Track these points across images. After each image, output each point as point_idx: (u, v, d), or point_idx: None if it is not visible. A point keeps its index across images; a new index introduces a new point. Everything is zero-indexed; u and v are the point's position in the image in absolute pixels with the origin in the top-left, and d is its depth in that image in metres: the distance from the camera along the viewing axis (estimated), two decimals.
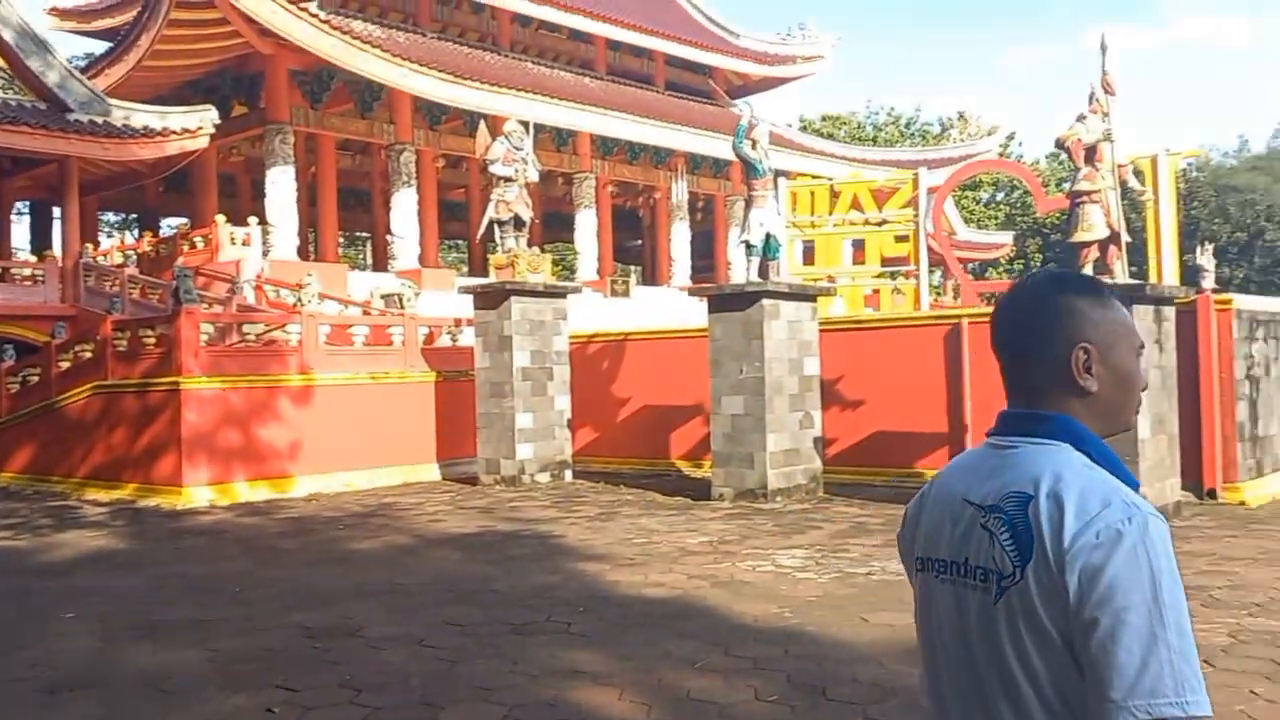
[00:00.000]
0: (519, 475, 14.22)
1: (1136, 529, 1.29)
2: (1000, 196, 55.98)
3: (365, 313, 17.19)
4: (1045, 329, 1.46)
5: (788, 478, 12.15)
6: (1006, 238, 39.83)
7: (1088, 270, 10.18)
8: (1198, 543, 8.90)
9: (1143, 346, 1.51)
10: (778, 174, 15.21)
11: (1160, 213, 13.78)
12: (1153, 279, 13.98)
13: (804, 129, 44.71)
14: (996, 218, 54.10)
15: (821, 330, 12.99)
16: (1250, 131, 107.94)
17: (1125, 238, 10.52)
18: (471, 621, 6.73)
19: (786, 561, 8.48)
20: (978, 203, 53.56)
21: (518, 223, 14.70)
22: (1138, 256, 14.51)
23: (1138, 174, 13.22)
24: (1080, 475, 1.36)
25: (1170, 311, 10.52)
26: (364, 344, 15.53)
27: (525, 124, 15.17)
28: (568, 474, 14.84)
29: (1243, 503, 10.94)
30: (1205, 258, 25.76)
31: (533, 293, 14.64)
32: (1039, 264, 53.12)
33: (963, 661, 1.43)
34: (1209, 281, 21.77)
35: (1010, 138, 51.16)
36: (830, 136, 42.24)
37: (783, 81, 34.44)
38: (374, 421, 14.88)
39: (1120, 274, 10.18)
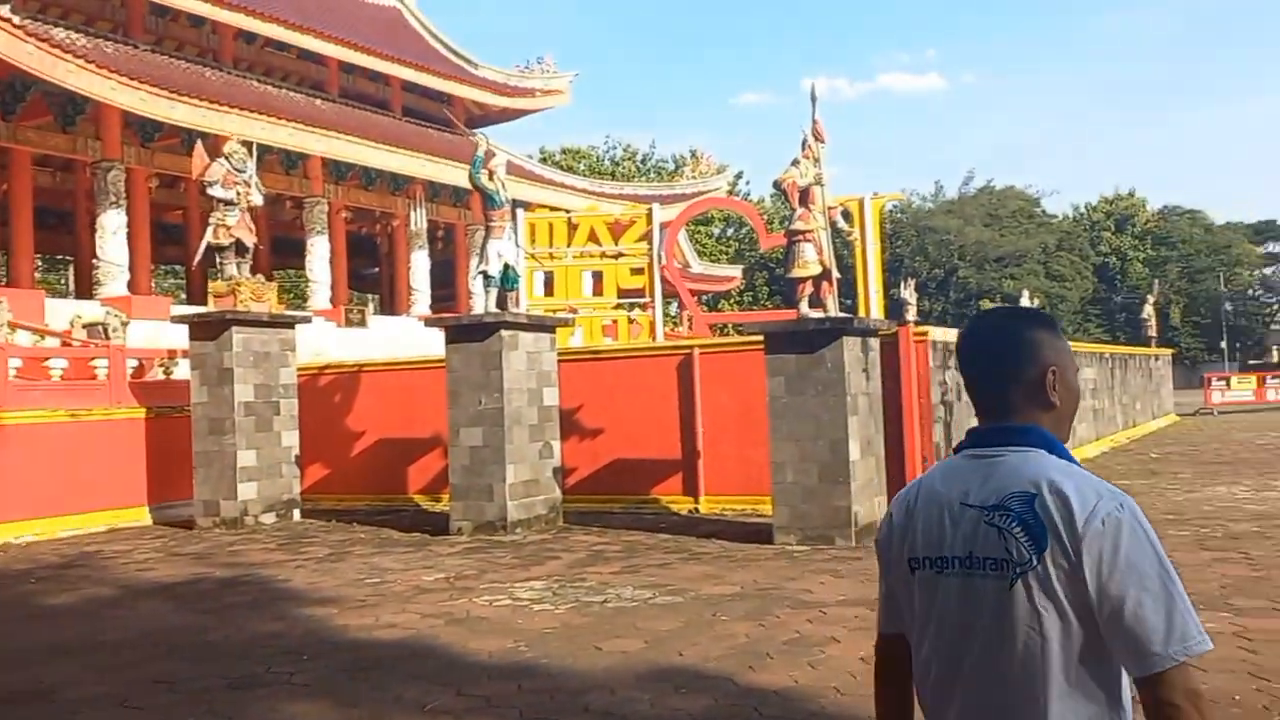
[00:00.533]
0: (241, 517, 13.36)
1: (1129, 513, 1.60)
2: (730, 232, 58.95)
3: (65, 344, 15.65)
4: (1022, 356, 1.75)
5: (528, 509, 12.12)
6: (736, 271, 41.94)
7: (804, 303, 10.88)
8: None
9: (1078, 369, 1.81)
10: (517, 205, 15.28)
11: (866, 251, 14.97)
12: (861, 312, 15.15)
13: (545, 161, 45.27)
14: (728, 252, 56.88)
15: (561, 361, 13.11)
16: (945, 178, 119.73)
17: (836, 274, 11.31)
18: (181, 677, 6.22)
19: (524, 594, 8.43)
20: (710, 237, 56.17)
21: (240, 248, 13.90)
22: (849, 291, 15.67)
23: (847, 215, 14.31)
24: (1071, 474, 1.65)
25: (875, 342, 11.39)
26: (63, 378, 14.12)
27: (248, 145, 14.41)
28: (296, 514, 14.11)
29: None
30: (908, 292, 28.21)
31: (256, 322, 13.86)
32: (766, 296, 56.32)
33: (971, 645, 1.65)
34: (912, 314, 23.88)
35: (739, 176, 53.99)
36: (570, 170, 43.01)
37: (522, 113, 34.71)
38: (75, 463, 13.54)
39: (832, 307, 10.92)
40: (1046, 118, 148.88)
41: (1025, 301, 31.35)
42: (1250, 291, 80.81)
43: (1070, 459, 1.70)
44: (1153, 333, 35.07)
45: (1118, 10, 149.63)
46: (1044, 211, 73.15)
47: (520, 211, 16.45)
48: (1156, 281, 59.83)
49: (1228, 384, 36.85)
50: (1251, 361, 71.16)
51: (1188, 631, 1.55)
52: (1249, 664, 5.74)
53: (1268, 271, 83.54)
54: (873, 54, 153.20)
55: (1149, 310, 35.59)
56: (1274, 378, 38.52)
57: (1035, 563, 1.59)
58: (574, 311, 15.45)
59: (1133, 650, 1.56)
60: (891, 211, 66.32)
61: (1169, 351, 35.42)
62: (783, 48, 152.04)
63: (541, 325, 12.89)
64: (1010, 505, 1.63)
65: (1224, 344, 71.01)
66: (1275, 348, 78.48)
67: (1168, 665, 1.53)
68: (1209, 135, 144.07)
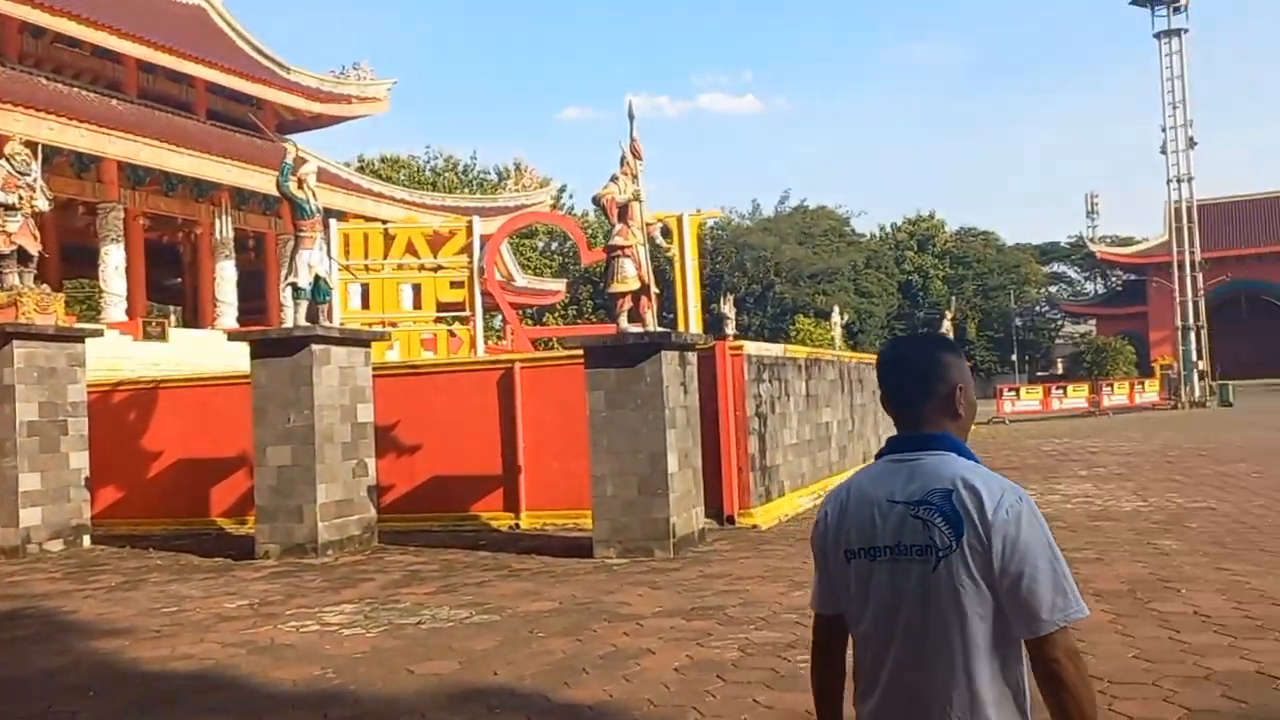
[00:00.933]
0: (23, 545, 12.34)
1: (1026, 505, 1.92)
2: (555, 246, 58.98)
3: None
4: (935, 375, 2.07)
5: (340, 530, 11.71)
6: (560, 285, 42.01)
7: (623, 318, 10.98)
8: (717, 565, 9.84)
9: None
10: (330, 215, 14.79)
11: (685, 267, 15.27)
12: (680, 326, 15.43)
13: (363, 170, 44.09)
14: (552, 265, 56.89)
15: (376, 375, 12.74)
16: (762, 197, 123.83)
17: (655, 289, 11.48)
18: None
19: (333, 618, 8.12)
20: (535, 250, 56.05)
21: (22, 257, 12.89)
22: (669, 305, 15.95)
23: (666, 232, 14.57)
24: (978, 473, 1.96)
25: (693, 356, 11.62)
26: None
27: (33, 146, 13.39)
28: (86, 540, 13.14)
29: (755, 525, 12.31)
30: (727, 307, 28.89)
31: (41, 336, 12.87)
32: (591, 310, 56.60)
33: (901, 623, 1.95)
34: (731, 328, 24.50)
35: (563, 190, 54.19)
36: (390, 179, 42.06)
37: (338, 120, 33.72)
38: None
39: (651, 322, 11.07)
40: (854, 141, 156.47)
41: (836, 317, 32.75)
42: (1038, 308, 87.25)
43: (975, 459, 2.02)
44: None
45: (916, 42, 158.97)
46: (853, 231, 76.77)
47: (334, 221, 15.93)
48: (954, 298, 63.75)
49: (1018, 394, 39.62)
50: (1039, 373, 76.68)
51: (1069, 601, 1.89)
52: None
53: (1052, 289, 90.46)
54: (693, 74, 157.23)
55: (947, 325, 37.89)
56: (1058, 388, 41.68)
57: (954, 547, 1.91)
58: (391, 325, 15.05)
59: (1025, 617, 1.89)
60: (712, 228, 68.08)
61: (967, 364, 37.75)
62: (606, 64, 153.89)
63: (356, 339, 12.50)
64: (932, 500, 1.94)
65: (1015, 357, 76.29)
66: (1060, 360, 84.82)
67: (1052, 629, 1.87)
68: (1000, 161, 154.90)
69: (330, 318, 12.36)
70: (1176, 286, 45.91)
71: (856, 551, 2.03)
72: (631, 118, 10.85)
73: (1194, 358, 44.54)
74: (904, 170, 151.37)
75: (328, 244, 13.17)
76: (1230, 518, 11.15)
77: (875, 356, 2.67)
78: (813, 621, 2.24)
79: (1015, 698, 1.94)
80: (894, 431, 2.15)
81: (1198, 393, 43.18)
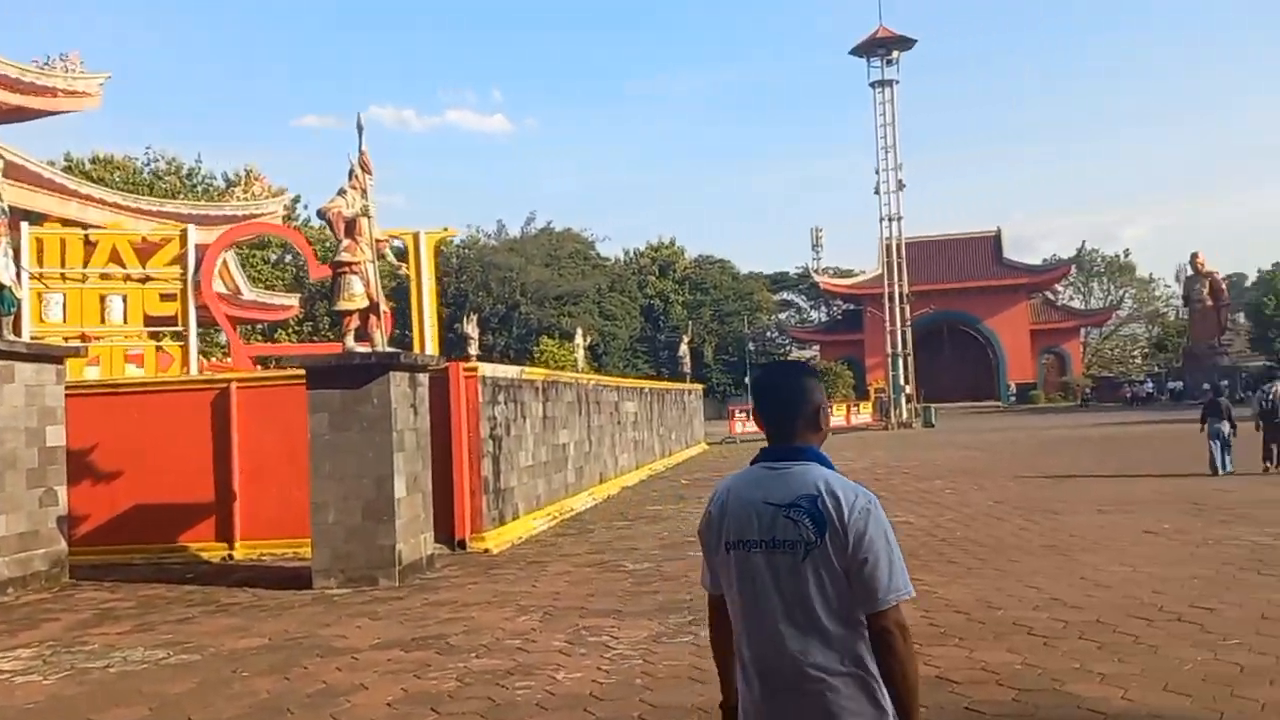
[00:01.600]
0: None
1: (873, 507, 2.37)
2: (290, 259, 56.24)
3: None
4: (804, 397, 2.52)
5: (23, 565, 10.52)
6: (293, 300, 40.03)
7: (350, 337, 10.58)
8: (444, 592, 9.63)
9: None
10: (24, 217, 13.35)
11: (422, 286, 14.94)
12: (416, 347, 15.08)
13: (71, 170, 40.29)
14: (284, 279, 54.20)
15: (70, 395, 11.60)
16: (509, 217, 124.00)
17: (387, 307, 11.14)
18: None
19: (6, 665, 7.26)
20: (266, 263, 53.23)
21: None
22: (406, 324, 15.55)
23: (402, 252, 14.19)
24: (837, 480, 2.40)
25: (425, 378, 11.35)
26: None
27: None
28: None
29: (487, 550, 12.17)
30: (471, 327, 28.52)
31: None
32: (328, 327, 54.34)
33: (772, 604, 2.38)
34: (474, 348, 24.17)
35: (297, 200, 51.77)
36: (102, 181, 38.66)
37: (40, 114, 30.53)
38: None
39: (380, 342, 10.71)
40: (601, 166, 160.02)
41: (580, 339, 33.18)
42: (769, 333, 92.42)
43: (832, 467, 2.46)
44: (687, 369, 38.70)
45: (662, 74, 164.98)
46: (598, 254, 78.32)
47: (25, 225, 14.40)
48: (691, 322, 66.30)
49: (748, 415, 41.69)
50: None
51: (900, 584, 2.35)
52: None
53: (782, 316, 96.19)
54: (441, 89, 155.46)
55: (685, 349, 39.25)
56: None
57: (818, 542, 2.35)
58: (85, 340, 13.74)
59: (867, 595, 2.34)
60: (458, 247, 67.36)
61: (701, 386, 39.30)
62: (350, 72, 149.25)
63: (45, 355, 11.32)
64: (801, 504, 2.37)
65: (748, 379, 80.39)
66: None
67: (887, 605, 2.33)
68: (736, 193, 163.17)
69: (17, 330, 11.12)
70: (887, 316, 49.91)
71: (735, 544, 2.46)
72: (361, 130, 10.50)
73: (902, 382, 48.52)
74: (648, 197, 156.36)
75: (16, 249, 11.88)
76: (924, 531, 12.13)
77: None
78: (709, 598, 2.65)
79: (859, 656, 2.37)
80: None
81: (905, 414, 47.07)
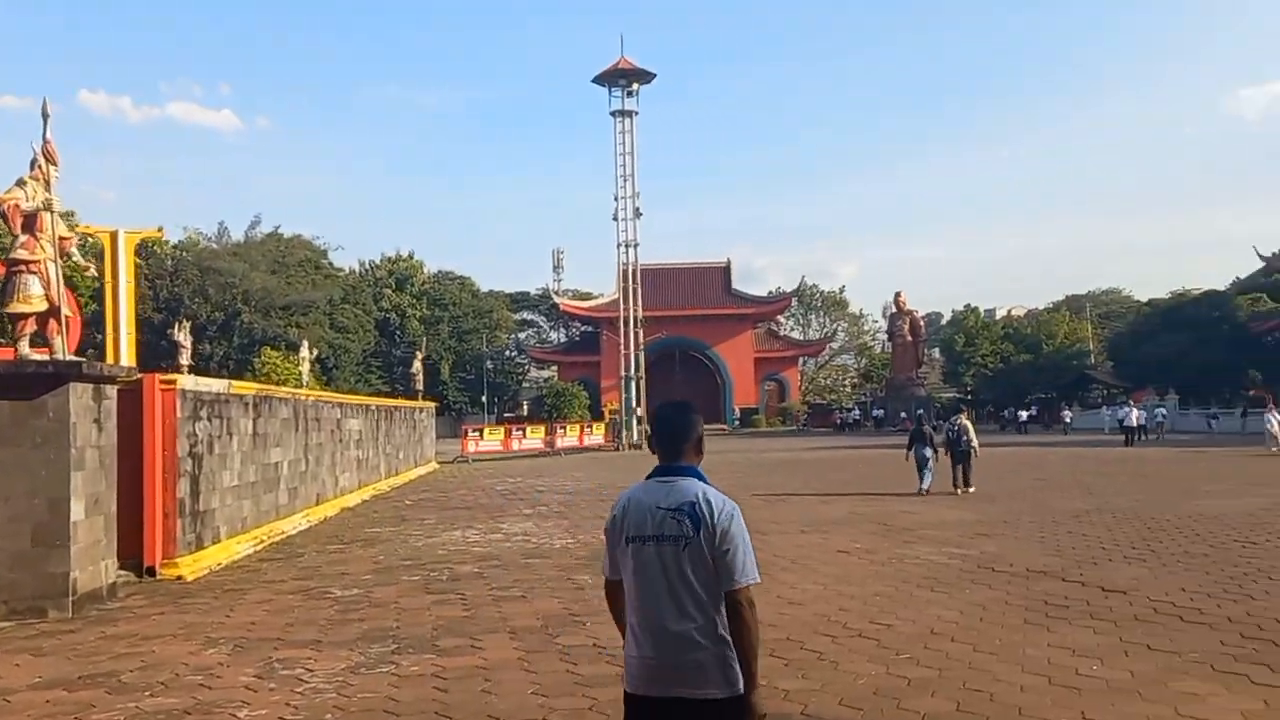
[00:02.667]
0: None
1: (735, 512, 3.11)
2: None
3: None
4: (691, 430, 3.30)
5: None
6: None
7: (24, 343, 9.55)
8: (124, 624, 8.80)
9: None
10: None
11: (118, 289, 13.71)
12: (109, 356, 13.79)
13: None
14: None
15: None
16: (232, 219, 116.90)
17: (71, 311, 10.12)
18: None
19: None
20: None
21: None
22: (101, 330, 14.18)
23: (97, 252, 12.95)
24: (710, 491, 3.14)
25: (113, 391, 10.39)
26: None
27: None
28: None
29: (180, 577, 11.26)
30: (183, 335, 26.54)
31: None
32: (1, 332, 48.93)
33: (659, 583, 3.08)
34: (186, 358, 22.49)
35: None
36: None
37: None
38: None
39: (61, 349, 9.70)
40: (336, 173, 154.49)
41: (305, 352, 31.76)
42: (508, 352, 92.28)
43: (708, 481, 3.23)
44: (420, 386, 37.87)
45: (402, 83, 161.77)
46: (331, 264, 75.25)
47: None
48: (428, 338, 65.08)
49: (481, 434, 41.28)
50: (506, 414, 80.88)
51: (751, 571, 3.08)
52: (439, 703, 6.18)
53: (522, 335, 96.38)
54: (163, 78, 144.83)
55: (418, 365, 38.40)
56: (519, 429, 44.12)
57: (695, 537, 3.07)
58: None
59: (727, 576, 3.06)
60: (173, 249, 62.67)
61: (433, 404, 38.51)
62: (53, 51, 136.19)
63: None
64: (684, 508, 3.11)
65: (485, 398, 79.75)
66: (526, 402, 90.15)
67: (741, 585, 3.06)
68: (479, 210, 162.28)
69: None
70: (622, 340, 51.13)
71: (633, 538, 3.18)
72: (46, 118, 9.48)
73: (634, 404, 49.80)
74: (387, 208, 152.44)
75: None
76: None
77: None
78: (606, 583, 3.35)
79: (719, 622, 3.09)
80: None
81: (636, 436, 48.30)
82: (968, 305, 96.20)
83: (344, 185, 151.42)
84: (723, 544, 3.07)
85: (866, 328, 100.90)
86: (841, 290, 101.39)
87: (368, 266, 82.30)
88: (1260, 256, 71.34)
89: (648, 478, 3.27)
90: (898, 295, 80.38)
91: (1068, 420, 63.53)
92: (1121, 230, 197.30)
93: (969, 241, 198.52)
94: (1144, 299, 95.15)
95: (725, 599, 3.08)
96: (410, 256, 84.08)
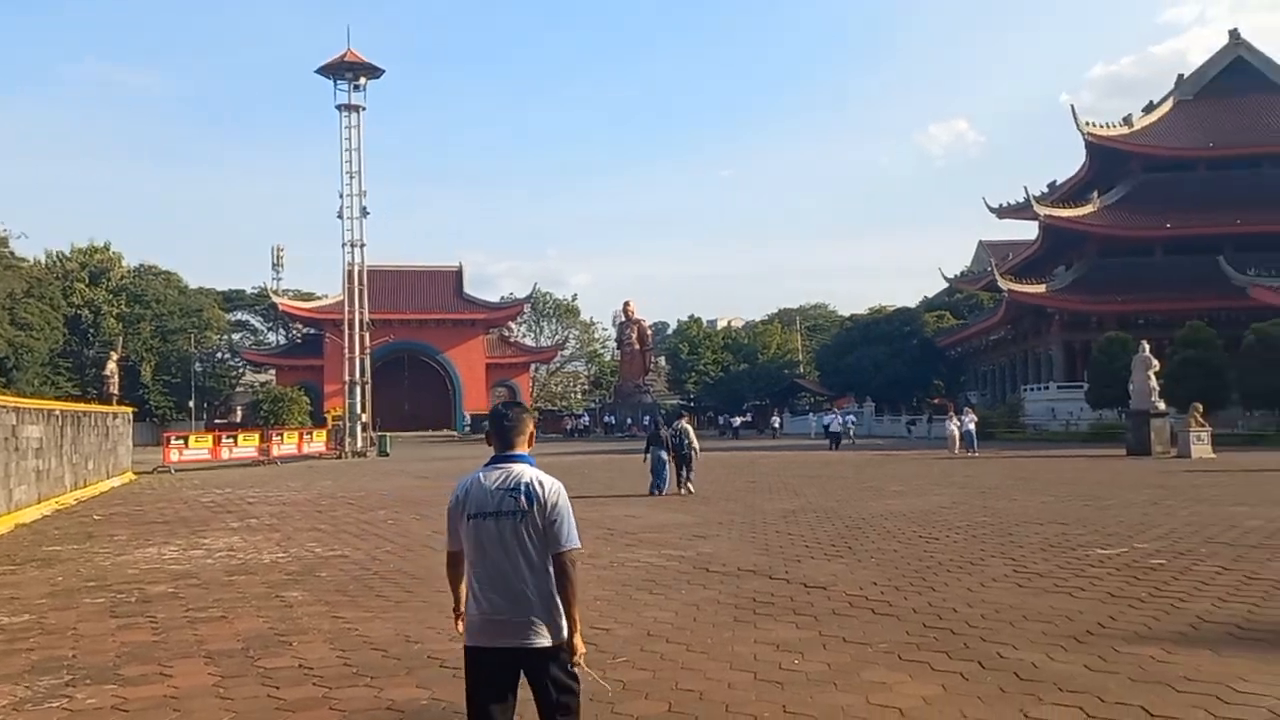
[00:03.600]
0: None
1: (562, 489, 3.86)
2: None
3: None
4: (523, 423, 4.00)
5: None
6: None
7: None
8: None
9: None
10: None
11: None
12: None
13: None
14: None
15: None
16: None
17: None
18: None
19: None
20: None
21: None
22: None
23: None
24: (541, 473, 3.86)
25: None
26: None
27: None
28: None
29: None
30: None
31: None
32: None
33: (499, 551, 3.73)
34: None
35: None
36: None
37: None
38: None
39: None
40: (19, 154, 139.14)
41: None
42: (220, 354, 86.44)
43: (535, 465, 3.90)
44: (115, 389, 34.67)
45: (104, 61, 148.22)
46: (12, 254, 67.54)
47: None
48: (122, 338, 59.74)
49: (186, 443, 38.23)
50: (217, 421, 75.73)
51: (574, 538, 3.76)
52: None
53: (236, 337, 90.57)
54: None
55: (112, 367, 35.22)
56: (229, 437, 41.41)
57: (529, 511, 3.72)
58: None
59: (554, 542, 3.73)
60: None
61: (130, 409, 35.35)
62: None
63: None
64: (520, 487, 3.76)
65: (193, 403, 74.24)
66: (240, 408, 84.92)
67: (566, 549, 3.74)
68: (190, 201, 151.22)
69: None
70: (347, 343, 49.21)
71: (475, 514, 3.75)
72: None
73: (359, 410, 48.04)
74: (79, 196, 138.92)
75: None
76: (359, 565, 11.86)
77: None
78: (448, 553, 4.00)
79: (549, 581, 3.74)
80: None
81: (360, 443, 46.61)
82: (692, 316, 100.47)
83: (29, 168, 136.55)
84: (552, 516, 3.76)
85: (597, 335, 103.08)
86: (574, 298, 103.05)
87: (56, 258, 74.58)
88: (945, 278, 79.28)
89: (485, 465, 3.93)
90: (626, 304, 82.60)
91: (777, 426, 67.67)
92: (828, 250, 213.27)
93: (694, 256, 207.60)
94: (847, 314, 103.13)
95: (554, 561, 3.77)
96: (107, 248, 77.02)
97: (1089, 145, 63.21)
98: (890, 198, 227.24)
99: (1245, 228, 57.14)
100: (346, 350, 49.26)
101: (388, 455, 44.82)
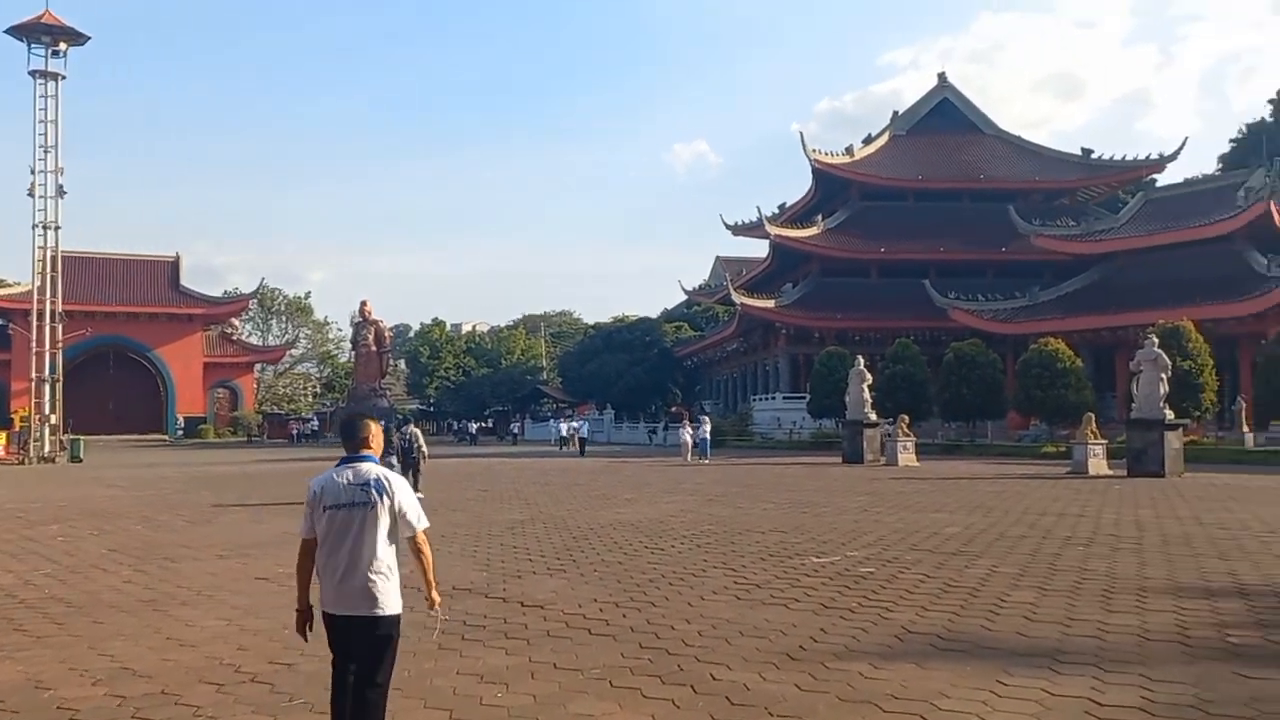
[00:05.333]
0: None
1: (404, 482, 4.71)
2: None
3: None
4: (368, 429, 4.69)
5: None
6: None
7: None
8: None
9: None
10: None
11: None
12: None
13: None
14: None
15: None
16: None
17: None
18: None
19: None
20: None
21: None
22: None
23: None
24: (385, 469, 4.63)
25: None
26: None
27: None
28: None
29: None
30: None
31: None
32: None
33: (353, 535, 4.44)
34: None
35: None
36: None
37: None
38: None
39: None
40: None
41: None
42: None
43: (379, 464, 4.66)
44: None
45: None
46: None
47: None
48: None
49: None
50: None
51: (423, 520, 4.63)
52: None
53: None
54: None
55: None
56: None
57: (380, 502, 4.45)
58: None
59: (406, 527, 4.56)
60: None
61: None
62: None
63: None
64: (370, 482, 4.47)
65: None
66: None
67: (415, 530, 4.60)
68: None
69: None
70: (35, 336, 44.04)
71: (330, 506, 4.48)
72: None
73: (48, 411, 43.09)
74: None
75: None
76: (6, 592, 10.18)
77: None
78: (302, 541, 4.63)
79: (392, 560, 4.55)
80: None
81: (48, 448, 41.80)
82: (436, 319, 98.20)
83: None
84: (399, 505, 4.49)
85: (332, 335, 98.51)
86: (306, 295, 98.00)
87: None
88: (684, 290, 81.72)
89: (337, 464, 4.60)
90: (363, 303, 78.47)
91: (517, 432, 67.26)
92: (579, 258, 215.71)
93: (446, 258, 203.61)
94: (592, 322, 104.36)
95: (408, 543, 4.59)
96: None
97: (815, 171, 67.04)
98: (638, 211, 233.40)
99: (946, 255, 62.43)
100: (35, 344, 44.07)
101: (80, 460, 40.44)
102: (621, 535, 14.17)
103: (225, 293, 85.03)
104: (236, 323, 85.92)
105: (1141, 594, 9.24)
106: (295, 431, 72.17)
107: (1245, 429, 38.07)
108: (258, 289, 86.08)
